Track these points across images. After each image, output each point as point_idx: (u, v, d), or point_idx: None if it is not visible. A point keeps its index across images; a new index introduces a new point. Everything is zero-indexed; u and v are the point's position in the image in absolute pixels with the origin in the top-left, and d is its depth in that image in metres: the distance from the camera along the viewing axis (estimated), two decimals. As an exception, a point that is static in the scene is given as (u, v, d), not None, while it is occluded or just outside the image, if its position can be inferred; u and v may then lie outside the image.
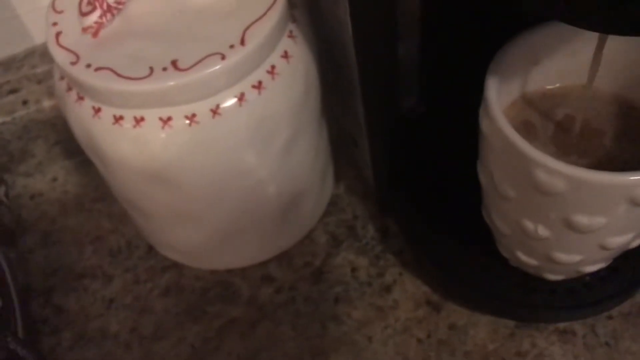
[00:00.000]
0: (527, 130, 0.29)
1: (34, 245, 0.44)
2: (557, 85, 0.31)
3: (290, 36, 0.32)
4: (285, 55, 0.32)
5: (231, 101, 0.30)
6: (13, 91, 0.49)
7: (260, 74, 0.31)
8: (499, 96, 0.28)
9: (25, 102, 0.49)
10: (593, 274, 0.34)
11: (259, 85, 0.31)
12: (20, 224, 0.45)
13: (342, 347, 0.37)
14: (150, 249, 0.42)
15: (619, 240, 0.28)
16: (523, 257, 0.32)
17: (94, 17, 0.30)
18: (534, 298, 0.35)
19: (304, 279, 0.40)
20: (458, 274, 0.36)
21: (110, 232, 0.44)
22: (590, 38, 0.26)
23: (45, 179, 0.47)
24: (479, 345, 0.36)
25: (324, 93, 0.36)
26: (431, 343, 0.36)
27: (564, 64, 0.30)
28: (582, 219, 0.27)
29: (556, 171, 0.25)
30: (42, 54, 0.48)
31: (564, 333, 0.36)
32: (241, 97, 0.30)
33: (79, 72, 0.30)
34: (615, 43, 0.25)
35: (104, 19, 0.30)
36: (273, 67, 0.31)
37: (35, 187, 0.47)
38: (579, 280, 0.34)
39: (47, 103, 0.49)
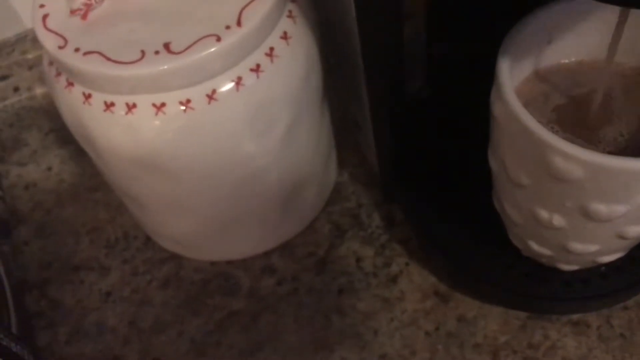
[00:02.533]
0: (541, 110, 0.28)
1: (29, 237, 0.43)
2: (574, 59, 0.29)
3: (290, 16, 0.31)
4: (285, 37, 0.30)
5: (228, 86, 0.29)
6: (4, 77, 0.47)
7: (258, 56, 0.29)
8: (512, 77, 0.26)
9: (16, 89, 0.47)
10: (609, 264, 0.33)
11: (257, 69, 0.29)
12: (14, 215, 0.43)
13: (346, 340, 0.36)
14: (148, 239, 0.41)
15: (638, 230, 0.27)
16: (536, 247, 0.31)
17: (82, -3, 0.29)
18: (547, 289, 0.33)
19: (307, 269, 0.39)
20: (467, 264, 0.35)
21: (107, 222, 0.42)
22: (608, 13, 0.24)
23: (40, 169, 0.46)
24: (489, 338, 0.35)
25: (325, 76, 0.35)
26: (439, 335, 0.35)
27: (580, 39, 0.28)
28: (600, 208, 0.25)
29: (574, 157, 0.24)
30: (33, 38, 0.46)
31: (578, 324, 0.35)
32: (238, 82, 0.29)
33: (67, 57, 0.28)
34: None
35: (92, 0, 0.29)
36: (272, 49, 0.29)
37: (29, 176, 0.46)
38: (594, 270, 0.33)
39: (39, 90, 0.48)
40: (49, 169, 0.46)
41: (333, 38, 0.34)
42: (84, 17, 0.29)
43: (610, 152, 0.26)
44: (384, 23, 0.29)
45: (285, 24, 0.30)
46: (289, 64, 0.30)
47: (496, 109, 0.26)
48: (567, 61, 0.29)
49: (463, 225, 0.35)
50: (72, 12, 0.29)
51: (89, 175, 0.45)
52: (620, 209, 0.25)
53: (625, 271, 0.33)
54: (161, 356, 0.37)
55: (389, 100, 0.34)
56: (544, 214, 0.27)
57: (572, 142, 0.24)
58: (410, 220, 0.39)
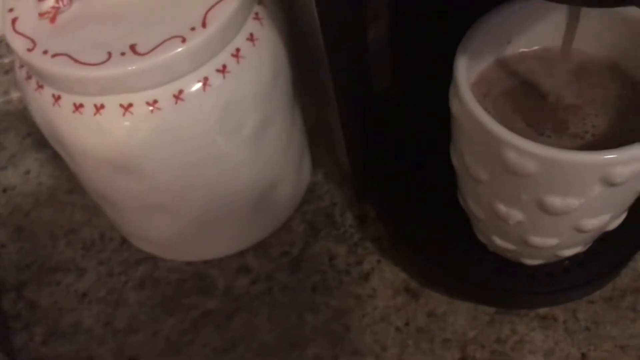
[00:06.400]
0: (501, 101, 0.28)
1: (7, 240, 0.43)
2: (535, 48, 0.30)
3: (257, 18, 0.31)
4: (251, 38, 0.31)
5: (195, 86, 0.29)
6: (-20, 82, 0.48)
7: (224, 57, 0.30)
8: (469, 74, 0.27)
9: (-7, 93, 0.48)
10: (572, 259, 0.33)
11: (223, 69, 0.30)
12: (-8, 218, 0.44)
13: (319, 337, 0.36)
14: (124, 241, 0.42)
15: (595, 222, 0.28)
16: (499, 242, 0.31)
17: (51, 1, 0.29)
18: (512, 284, 0.34)
19: (281, 268, 0.39)
20: (436, 261, 0.35)
21: (83, 224, 0.43)
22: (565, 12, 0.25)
23: (18, 172, 0.46)
24: (458, 333, 0.35)
25: (295, 77, 0.35)
26: (409, 331, 0.36)
27: (541, 30, 0.29)
28: (555, 201, 0.26)
29: (526, 151, 0.24)
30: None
31: (545, 318, 0.35)
32: (205, 82, 0.29)
33: (36, 59, 0.29)
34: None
35: (60, 4, 0.29)
36: (238, 50, 0.30)
37: (7, 180, 0.46)
38: (558, 264, 0.34)
39: (15, 94, 0.48)
40: (27, 172, 0.46)
41: (303, 40, 0.35)
42: (52, 20, 0.29)
43: (574, 142, 0.27)
44: (348, 24, 0.30)
45: (251, 25, 0.31)
46: (255, 65, 0.31)
47: (453, 106, 0.27)
48: (528, 50, 0.30)
49: (433, 222, 0.36)
50: (41, 15, 0.30)
51: (66, 178, 0.45)
52: (574, 202, 0.26)
53: (588, 265, 0.34)
54: (136, 356, 0.37)
55: (357, 101, 0.34)
56: (502, 208, 0.28)
57: (532, 133, 0.25)
58: (382, 218, 0.39)
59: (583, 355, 0.34)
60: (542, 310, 0.35)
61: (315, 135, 0.42)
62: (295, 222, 0.41)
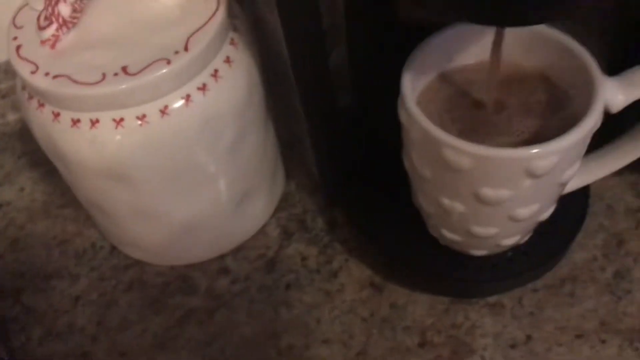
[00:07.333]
0: (444, 109, 0.33)
1: (4, 251, 0.46)
2: (471, 62, 0.34)
3: (232, 43, 0.36)
4: (228, 60, 0.35)
5: (178, 102, 0.34)
6: (-21, 106, 0.51)
7: (204, 77, 0.34)
8: (415, 87, 0.32)
9: (-10, 116, 0.52)
10: (515, 250, 0.38)
11: (203, 87, 0.34)
12: (-11, 232, 0.47)
13: (293, 329, 0.40)
14: (114, 249, 0.45)
15: (526, 212, 0.32)
16: (448, 234, 0.36)
17: (51, 30, 0.33)
18: (463, 274, 0.38)
19: (258, 269, 0.43)
20: (397, 257, 0.40)
21: (75, 235, 0.46)
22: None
23: (13, 189, 0.50)
24: (418, 321, 0.39)
25: (267, 96, 0.40)
26: (374, 321, 0.40)
27: (479, 46, 0.33)
28: (488, 192, 0.30)
29: (461, 150, 0.29)
30: (5, 70, 0.51)
31: (494, 306, 0.39)
32: (187, 98, 0.34)
33: (39, 80, 0.33)
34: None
35: (60, 32, 0.34)
36: (216, 70, 0.34)
37: (3, 196, 0.49)
38: (502, 255, 0.38)
39: (11, 117, 0.52)
40: (22, 189, 0.50)
41: (274, 63, 0.39)
42: (52, 46, 0.34)
43: (504, 141, 0.31)
44: (310, 51, 0.34)
45: (228, 49, 0.35)
46: (232, 84, 0.35)
47: (401, 115, 0.32)
48: (466, 64, 0.34)
49: (393, 223, 0.40)
50: (42, 42, 0.34)
51: (58, 194, 0.49)
52: (505, 193, 0.30)
53: (529, 255, 0.38)
54: (127, 351, 0.41)
55: (323, 117, 0.39)
56: (446, 201, 0.32)
57: (469, 135, 0.29)
58: (350, 222, 0.44)
59: (528, 336, 0.38)
60: (492, 299, 0.40)
61: (288, 149, 0.46)
62: (270, 228, 0.45)
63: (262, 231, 0.45)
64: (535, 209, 0.32)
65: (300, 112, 0.39)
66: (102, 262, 0.45)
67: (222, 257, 0.44)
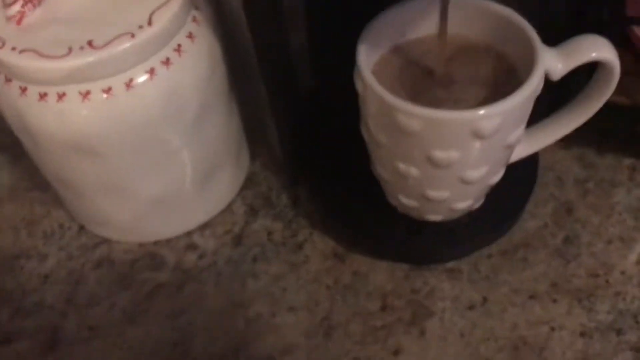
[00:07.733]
0: (398, 79, 0.35)
1: (-29, 234, 0.47)
2: (423, 35, 0.36)
3: (195, 21, 0.37)
4: (190, 36, 0.36)
5: (143, 76, 0.35)
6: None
7: (167, 51, 0.35)
8: (370, 59, 0.33)
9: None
10: (470, 216, 0.40)
11: (167, 62, 0.35)
12: (-44, 215, 0.48)
13: (260, 298, 0.41)
14: (82, 228, 0.46)
15: (476, 174, 0.34)
16: (404, 200, 0.37)
17: (17, 7, 0.34)
18: (420, 241, 0.40)
19: (225, 244, 0.44)
20: (358, 228, 0.41)
21: (43, 216, 0.47)
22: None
23: (-20, 174, 0.50)
24: (379, 287, 0.41)
25: (230, 74, 0.41)
26: (338, 288, 0.41)
27: (430, 20, 0.35)
28: (439, 154, 0.32)
29: (412, 113, 0.31)
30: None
31: (452, 271, 0.41)
32: (152, 72, 0.35)
33: (6, 55, 0.34)
34: None
35: (25, 9, 0.35)
36: (179, 45, 0.36)
37: (-30, 181, 0.50)
38: (458, 221, 0.40)
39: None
40: (-12, 174, 0.50)
41: (237, 43, 0.41)
42: (18, 22, 0.35)
43: (454, 107, 0.33)
44: (271, 34, 0.35)
45: (190, 26, 0.37)
46: (194, 59, 0.37)
47: (357, 84, 0.33)
48: (420, 36, 0.36)
49: (354, 196, 0.42)
50: (8, 19, 0.35)
51: (26, 178, 0.49)
52: (455, 154, 0.32)
53: (484, 221, 0.40)
54: (96, 325, 0.41)
55: (285, 97, 0.40)
56: (402, 166, 0.34)
57: (421, 101, 0.31)
58: (312, 197, 0.45)
59: (484, 298, 0.40)
60: (449, 265, 0.42)
61: (253, 131, 0.48)
62: (236, 205, 0.46)
63: (228, 209, 0.46)
64: (484, 171, 0.34)
65: (260, 92, 0.40)
66: (70, 241, 0.46)
67: (189, 233, 0.45)
